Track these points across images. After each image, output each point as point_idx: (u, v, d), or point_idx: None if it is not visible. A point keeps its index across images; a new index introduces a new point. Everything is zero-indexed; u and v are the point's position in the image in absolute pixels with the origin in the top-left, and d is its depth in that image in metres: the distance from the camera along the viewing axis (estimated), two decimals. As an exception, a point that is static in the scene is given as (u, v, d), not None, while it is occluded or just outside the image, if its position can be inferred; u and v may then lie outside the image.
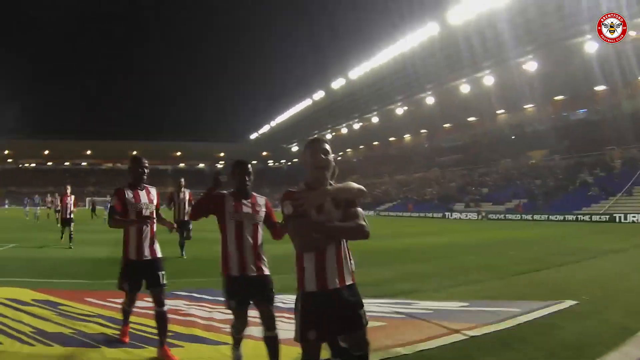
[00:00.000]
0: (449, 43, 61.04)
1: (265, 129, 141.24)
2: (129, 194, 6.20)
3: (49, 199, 43.97)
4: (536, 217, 49.69)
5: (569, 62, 57.12)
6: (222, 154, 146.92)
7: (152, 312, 5.98)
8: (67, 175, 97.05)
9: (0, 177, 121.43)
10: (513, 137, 75.97)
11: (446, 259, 15.76)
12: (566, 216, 46.96)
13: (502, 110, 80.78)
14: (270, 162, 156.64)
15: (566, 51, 54.44)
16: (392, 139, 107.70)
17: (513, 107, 76.42)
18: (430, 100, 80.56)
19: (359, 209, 3.79)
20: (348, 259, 3.83)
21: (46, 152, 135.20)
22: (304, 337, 3.65)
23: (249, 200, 5.22)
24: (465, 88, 72.12)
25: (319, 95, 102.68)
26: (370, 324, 6.58)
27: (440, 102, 79.16)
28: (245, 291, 5.00)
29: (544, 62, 59.24)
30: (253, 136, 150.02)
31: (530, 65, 60.23)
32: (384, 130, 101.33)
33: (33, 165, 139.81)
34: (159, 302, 5.97)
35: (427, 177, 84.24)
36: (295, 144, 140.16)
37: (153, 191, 6.56)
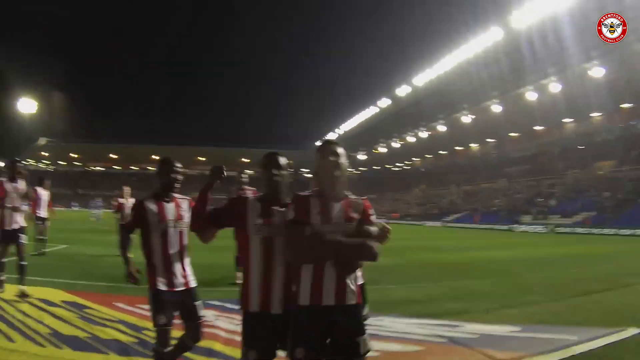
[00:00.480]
0: (513, 48, 60.03)
1: (330, 136, 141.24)
2: (151, 208, 4.87)
3: (114, 202, 44.06)
4: (605, 230, 47.15)
5: (638, 68, 54.67)
6: (289, 161, 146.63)
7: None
8: (134, 179, 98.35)
9: (68, 180, 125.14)
10: (581, 147, 73.08)
11: (505, 276, 14.72)
12: (635, 231, 44.16)
13: (570, 119, 77.75)
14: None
15: (634, 56, 52.04)
16: (459, 148, 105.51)
17: (580, 116, 73.17)
18: (496, 108, 79.02)
19: (374, 227, 3.55)
20: (353, 276, 3.51)
21: (113, 156, 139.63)
22: (293, 355, 3.39)
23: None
24: (531, 95, 70.38)
25: (385, 102, 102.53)
26: (406, 347, 6.71)
27: (507, 110, 77.45)
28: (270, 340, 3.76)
29: (610, 68, 57.03)
30: (319, 144, 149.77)
31: (597, 72, 58.12)
32: (451, 139, 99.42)
33: (101, 168, 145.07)
34: (194, 337, 5.10)
35: (494, 187, 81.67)
36: (362, 152, 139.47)
37: (185, 205, 5.11)
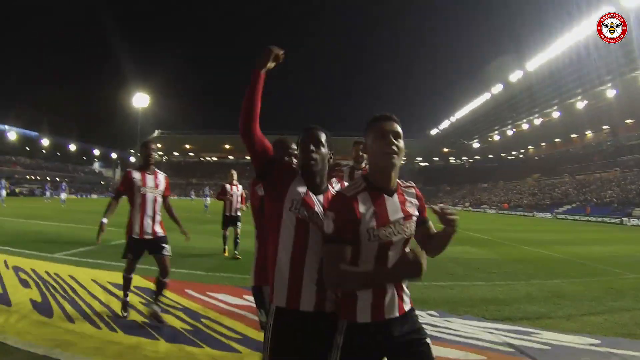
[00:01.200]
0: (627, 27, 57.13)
1: (445, 124, 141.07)
2: (135, 176, 6.96)
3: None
4: None
5: None
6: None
7: (235, 310, 6.79)
8: (248, 169, 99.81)
9: (183, 170, 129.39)
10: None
11: (603, 277, 13.23)
12: None
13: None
14: (452, 159, 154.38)
15: None
16: (573, 135, 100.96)
17: None
18: (610, 93, 75.46)
19: (430, 223, 3.16)
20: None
21: (227, 146, 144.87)
22: None
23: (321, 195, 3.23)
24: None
25: (498, 89, 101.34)
26: (467, 356, 6.18)
27: (622, 95, 73.57)
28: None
29: None
30: (433, 132, 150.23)
31: None
32: (565, 127, 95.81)
33: (215, 159, 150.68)
34: (163, 271, 7.01)
35: (608, 177, 77.35)
36: (476, 140, 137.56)
37: (161, 177, 7.21)
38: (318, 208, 3.10)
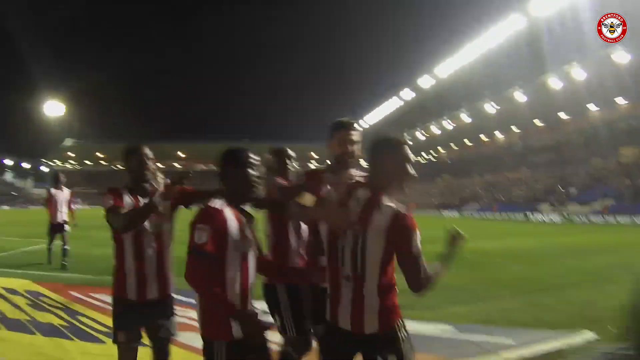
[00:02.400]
0: (534, 36, 59.91)
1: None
2: (127, 200, 4.13)
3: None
4: (621, 219, 45.71)
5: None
6: (315, 155, 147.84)
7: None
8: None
9: (95, 179, 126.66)
10: (604, 135, 71.78)
11: (484, 268, 13.86)
12: None
13: (594, 107, 75.58)
14: (365, 163, 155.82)
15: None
16: (484, 138, 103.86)
17: (606, 103, 71.13)
18: (520, 96, 78.36)
19: None
20: None
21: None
22: None
23: None
24: (555, 83, 69.87)
25: (408, 94, 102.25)
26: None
27: (531, 98, 77.05)
28: None
29: (635, 53, 55.74)
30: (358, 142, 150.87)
31: (621, 57, 57.31)
32: (475, 129, 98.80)
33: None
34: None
35: (517, 177, 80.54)
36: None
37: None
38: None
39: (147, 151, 4.32)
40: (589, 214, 51.57)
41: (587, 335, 6.61)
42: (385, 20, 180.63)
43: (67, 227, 13.56)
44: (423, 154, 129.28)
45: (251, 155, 3.33)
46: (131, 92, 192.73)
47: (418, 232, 2.97)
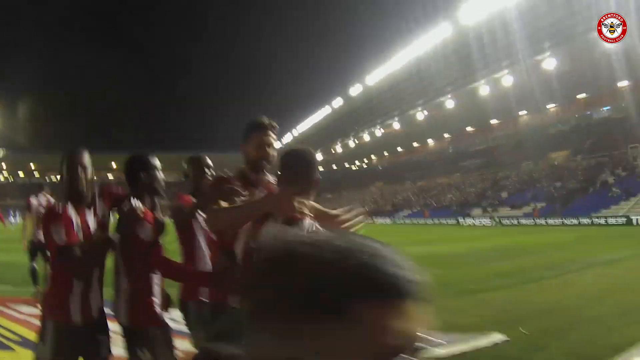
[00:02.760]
0: (463, 44, 60.94)
1: (287, 138, 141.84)
2: (72, 217, 3.64)
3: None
4: (551, 221, 47.34)
5: (590, 58, 54.27)
6: (243, 166, 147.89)
7: (25, 317, 7.22)
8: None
9: (29, 191, 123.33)
10: (535, 139, 73.23)
11: None
12: (581, 220, 44.59)
13: (524, 112, 78.62)
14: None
15: (585, 46, 51.77)
16: (415, 144, 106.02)
17: (535, 108, 73.95)
18: (450, 103, 79.41)
19: None
20: None
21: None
22: None
23: None
24: (484, 89, 70.89)
25: (338, 102, 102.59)
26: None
27: (461, 105, 77.97)
28: None
29: (563, 59, 57.39)
30: (276, 146, 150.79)
31: (549, 63, 58.56)
32: (406, 136, 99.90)
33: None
34: None
35: (448, 182, 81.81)
36: (319, 152, 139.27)
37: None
38: None
39: (86, 157, 3.85)
40: (520, 217, 52.83)
41: (496, 338, 6.51)
42: (315, 29, 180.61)
43: None
44: (356, 162, 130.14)
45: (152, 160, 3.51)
46: (66, 101, 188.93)
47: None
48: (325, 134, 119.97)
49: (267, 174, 3.53)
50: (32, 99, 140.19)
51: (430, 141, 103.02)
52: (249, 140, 3.43)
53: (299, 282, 0.47)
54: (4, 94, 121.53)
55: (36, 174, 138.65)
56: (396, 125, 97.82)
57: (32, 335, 6.62)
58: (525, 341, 6.67)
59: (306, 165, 3.12)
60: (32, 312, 8.38)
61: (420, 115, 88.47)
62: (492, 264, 16.09)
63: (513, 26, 52.05)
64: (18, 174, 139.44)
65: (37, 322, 6.81)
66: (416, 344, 0.51)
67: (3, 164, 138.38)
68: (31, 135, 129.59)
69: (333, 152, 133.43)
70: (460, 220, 58.93)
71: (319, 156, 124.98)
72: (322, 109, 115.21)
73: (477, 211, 62.31)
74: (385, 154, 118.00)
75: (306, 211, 2.82)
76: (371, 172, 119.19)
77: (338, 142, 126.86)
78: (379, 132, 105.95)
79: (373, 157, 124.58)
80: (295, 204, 2.72)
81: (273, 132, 3.47)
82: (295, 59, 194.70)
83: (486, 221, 55.33)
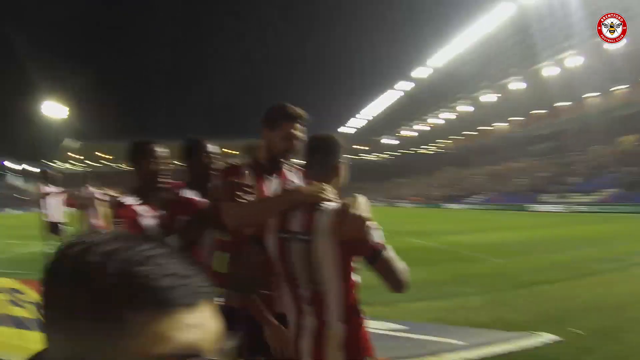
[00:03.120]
0: (526, 23, 58.78)
1: (355, 122, 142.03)
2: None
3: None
4: (622, 208, 44.47)
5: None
6: None
7: None
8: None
9: (97, 179, 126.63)
10: (604, 122, 70.98)
11: (458, 263, 13.52)
12: None
13: (592, 94, 74.80)
14: (366, 156, 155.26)
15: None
16: (484, 128, 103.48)
17: (603, 90, 70.58)
18: (517, 85, 77.49)
19: None
20: None
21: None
22: None
23: None
24: (551, 70, 69.02)
25: (404, 85, 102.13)
26: None
27: (528, 86, 76.30)
28: None
29: (632, 39, 54.99)
30: (348, 130, 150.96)
31: (617, 43, 55.81)
32: (476, 120, 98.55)
33: (129, 168, 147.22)
34: None
35: (518, 167, 79.78)
36: (389, 136, 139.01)
37: None
38: None
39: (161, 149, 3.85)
40: (590, 203, 50.72)
41: (544, 338, 6.18)
42: (376, 14, 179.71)
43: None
44: (427, 146, 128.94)
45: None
46: (131, 89, 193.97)
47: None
48: (394, 118, 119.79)
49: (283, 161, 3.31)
50: (99, 88, 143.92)
51: (498, 124, 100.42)
52: (277, 128, 3.14)
53: (82, 291, 0.49)
54: (72, 86, 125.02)
55: (105, 163, 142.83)
56: (465, 108, 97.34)
57: None
58: (576, 341, 6.13)
59: (332, 150, 2.89)
60: None
61: (488, 97, 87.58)
62: (554, 254, 15.07)
63: (576, 4, 50.73)
64: (87, 163, 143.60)
65: None
66: (196, 352, 0.51)
67: (72, 153, 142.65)
68: (104, 127, 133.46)
69: (403, 135, 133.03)
70: (530, 206, 57.32)
71: (389, 141, 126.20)
72: (390, 92, 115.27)
73: (546, 197, 60.41)
74: (456, 137, 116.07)
75: (331, 196, 2.69)
76: (442, 156, 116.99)
77: (408, 126, 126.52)
78: (448, 115, 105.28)
79: (443, 141, 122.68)
80: (322, 190, 2.65)
81: (303, 124, 3.19)
82: (361, 43, 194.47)
83: (555, 207, 53.40)
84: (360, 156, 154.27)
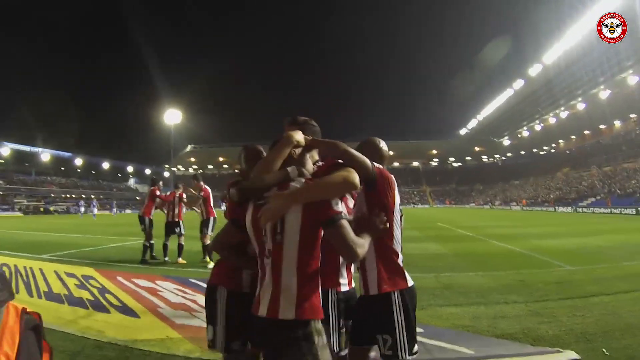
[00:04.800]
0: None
1: (473, 123, 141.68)
2: None
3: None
4: None
5: None
6: (434, 152, 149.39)
7: (135, 289, 9.61)
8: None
9: (218, 183, 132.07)
10: None
11: (533, 269, 12.59)
12: None
13: None
14: (484, 158, 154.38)
15: None
16: (602, 126, 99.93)
17: None
18: (633, 80, 74.37)
19: None
20: None
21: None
22: None
23: None
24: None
25: (519, 84, 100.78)
26: None
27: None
28: None
29: None
30: (463, 132, 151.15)
31: None
32: (592, 118, 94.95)
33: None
34: None
35: (634, 167, 76.06)
36: (506, 137, 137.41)
37: None
38: None
39: None
40: None
41: (563, 356, 5.81)
42: (488, 9, 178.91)
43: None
44: (544, 147, 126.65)
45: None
46: (247, 94, 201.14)
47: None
48: (509, 117, 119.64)
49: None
50: (216, 96, 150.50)
51: (616, 123, 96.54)
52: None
53: None
54: (190, 93, 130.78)
55: (225, 166, 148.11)
56: (580, 106, 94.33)
57: (132, 303, 8.43)
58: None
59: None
60: (146, 285, 10.11)
61: (604, 94, 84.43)
62: (634, 262, 13.69)
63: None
64: (207, 167, 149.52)
65: (145, 294, 9.19)
66: None
67: (192, 158, 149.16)
68: (218, 130, 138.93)
69: (520, 136, 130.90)
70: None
71: (506, 141, 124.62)
72: (505, 92, 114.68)
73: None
74: (572, 137, 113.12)
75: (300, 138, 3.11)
76: (558, 157, 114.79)
77: (524, 126, 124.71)
78: (563, 114, 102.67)
79: (560, 141, 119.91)
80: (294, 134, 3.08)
81: (310, 128, 3.47)
82: (477, 43, 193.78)
83: None
84: (480, 158, 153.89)
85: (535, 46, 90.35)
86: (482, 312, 8.02)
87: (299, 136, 3.09)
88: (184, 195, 15.11)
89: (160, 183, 15.67)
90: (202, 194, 14.49)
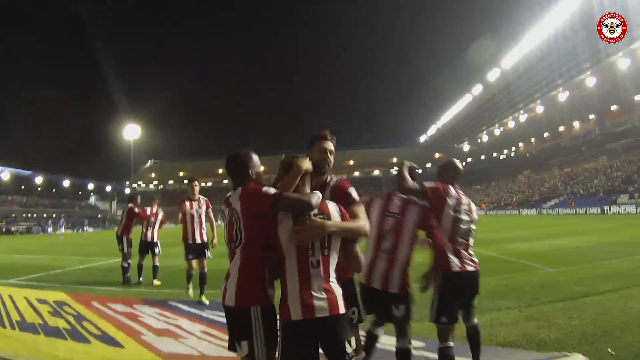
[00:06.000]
0: (595, 13, 57.35)
1: (433, 130, 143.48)
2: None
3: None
4: None
5: None
6: (395, 160, 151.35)
7: (113, 315, 8.93)
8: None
9: (178, 197, 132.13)
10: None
11: (512, 273, 12.42)
12: None
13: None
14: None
15: None
16: (561, 128, 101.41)
17: None
18: (591, 81, 75.72)
19: None
20: None
21: (220, 170, 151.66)
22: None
23: None
24: (624, 63, 67.05)
25: (478, 89, 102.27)
26: None
27: (602, 81, 74.07)
28: None
29: None
30: (422, 139, 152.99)
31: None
32: (551, 120, 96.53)
33: (209, 184, 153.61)
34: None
35: (595, 167, 77.57)
36: (466, 142, 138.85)
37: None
38: None
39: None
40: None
41: (577, 359, 5.72)
42: (442, 21, 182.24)
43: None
44: (504, 150, 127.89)
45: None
46: (207, 109, 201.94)
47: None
48: (469, 122, 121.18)
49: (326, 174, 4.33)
50: (175, 112, 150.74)
51: (575, 124, 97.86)
52: (313, 146, 4.25)
53: None
54: (149, 109, 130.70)
55: (186, 181, 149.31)
56: (539, 109, 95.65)
57: (112, 331, 7.88)
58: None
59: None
60: (124, 311, 9.57)
61: (562, 96, 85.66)
62: (612, 261, 14.06)
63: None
64: (168, 182, 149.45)
65: (125, 320, 8.58)
66: None
67: (153, 173, 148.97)
68: (178, 146, 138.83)
69: (479, 141, 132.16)
70: (606, 208, 55.77)
71: (466, 146, 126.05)
72: (463, 97, 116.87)
73: (623, 198, 58.35)
74: (532, 140, 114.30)
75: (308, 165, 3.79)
76: (518, 160, 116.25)
77: (483, 131, 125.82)
78: (522, 117, 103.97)
79: (520, 144, 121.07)
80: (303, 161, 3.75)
81: (331, 141, 4.28)
82: (434, 50, 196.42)
83: (632, 209, 51.40)
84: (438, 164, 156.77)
85: (493, 51, 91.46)
86: (492, 318, 7.88)
87: (307, 165, 3.73)
88: (164, 216, 14.73)
89: (139, 198, 15.02)
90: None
